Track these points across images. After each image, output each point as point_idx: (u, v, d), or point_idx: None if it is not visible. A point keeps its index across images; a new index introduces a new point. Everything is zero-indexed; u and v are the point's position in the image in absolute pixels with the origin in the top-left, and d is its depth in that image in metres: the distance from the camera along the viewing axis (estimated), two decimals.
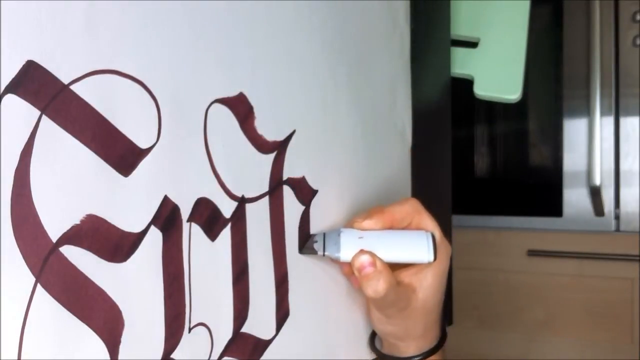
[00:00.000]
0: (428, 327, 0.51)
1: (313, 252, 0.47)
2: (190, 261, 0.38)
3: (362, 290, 0.47)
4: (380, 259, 0.46)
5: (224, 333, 0.40)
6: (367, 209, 0.49)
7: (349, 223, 0.49)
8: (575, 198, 1.32)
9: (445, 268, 0.50)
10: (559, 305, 1.32)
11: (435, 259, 0.47)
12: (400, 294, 0.48)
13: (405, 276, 0.49)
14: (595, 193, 1.27)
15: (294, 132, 0.46)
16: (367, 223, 0.47)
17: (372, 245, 0.47)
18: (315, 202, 0.49)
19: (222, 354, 0.40)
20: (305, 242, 0.48)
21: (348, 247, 0.47)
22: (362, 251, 0.46)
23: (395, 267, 0.48)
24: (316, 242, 0.48)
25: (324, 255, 0.47)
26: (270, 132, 0.44)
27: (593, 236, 1.29)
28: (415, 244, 0.48)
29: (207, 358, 0.39)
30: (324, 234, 0.48)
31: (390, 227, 0.48)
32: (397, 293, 0.47)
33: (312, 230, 0.49)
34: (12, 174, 0.28)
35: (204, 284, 0.39)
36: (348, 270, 0.50)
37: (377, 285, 0.45)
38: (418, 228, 0.49)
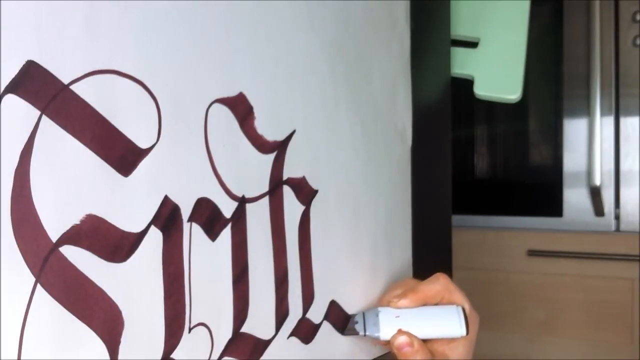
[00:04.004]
0: None
1: (355, 332, 0.51)
2: (190, 261, 0.38)
3: None
4: (417, 339, 0.50)
5: (224, 333, 0.40)
6: (401, 285, 0.54)
7: (385, 301, 0.53)
8: (575, 198, 1.32)
9: (475, 337, 0.54)
10: (559, 305, 1.32)
11: (467, 332, 0.51)
12: None
13: (439, 346, 0.52)
14: (595, 193, 1.26)
15: (294, 132, 0.46)
16: (402, 302, 0.51)
17: (409, 323, 0.50)
18: (315, 202, 0.49)
19: (222, 354, 0.40)
20: (346, 323, 0.52)
21: (387, 326, 0.50)
22: (400, 331, 0.50)
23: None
24: (357, 322, 0.52)
25: (365, 335, 0.51)
26: (270, 132, 0.44)
27: (593, 236, 1.29)
28: (448, 320, 0.51)
29: (207, 358, 0.39)
30: (363, 314, 0.52)
31: (424, 304, 0.52)
32: None
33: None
34: (12, 174, 0.28)
35: (204, 284, 0.39)
36: (385, 343, 0.53)
37: None
38: (449, 302, 0.53)
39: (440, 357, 0.52)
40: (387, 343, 0.52)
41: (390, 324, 0.50)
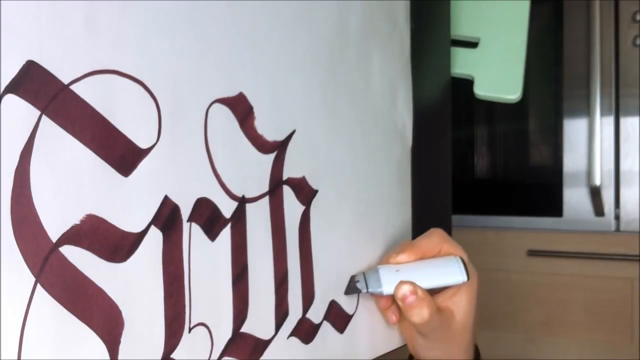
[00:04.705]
0: (467, 347, 0.54)
1: (357, 291, 0.51)
2: (190, 261, 0.38)
3: (408, 318, 0.50)
4: (420, 287, 0.49)
5: (224, 333, 0.40)
6: (398, 245, 0.53)
7: (384, 260, 0.53)
8: (575, 198, 1.32)
9: (476, 290, 0.53)
10: (559, 305, 1.32)
11: (469, 278, 0.51)
12: (441, 319, 0.50)
13: (442, 301, 0.52)
14: (595, 193, 1.27)
15: (294, 132, 0.46)
16: (401, 257, 0.51)
17: (410, 276, 0.50)
18: (315, 202, 0.49)
19: (222, 354, 0.40)
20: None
21: (388, 281, 0.50)
22: (402, 282, 0.49)
23: (431, 294, 0.51)
24: (358, 281, 0.52)
25: (367, 292, 0.51)
26: (270, 132, 0.44)
27: (593, 236, 1.29)
28: (448, 268, 0.51)
29: (207, 358, 0.39)
30: (364, 273, 0.52)
31: (422, 258, 0.52)
32: (439, 318, 0.50)
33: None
34: (12, 174, 0.28)
35: (204, 284, 0.39)
36: (385, 305, 0.53)
37: (422, 312, 0.49)
38: (447, 254, 0.52)
39: (446, 312, 0.51)
40: (390, 304, 0.52)
41: (391, 278, 0.50)
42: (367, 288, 0.51)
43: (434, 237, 0.53)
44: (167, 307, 0.36)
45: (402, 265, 0.51)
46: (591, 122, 1.26)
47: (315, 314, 0.49)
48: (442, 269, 0.51)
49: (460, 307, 0.52)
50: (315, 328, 0.49)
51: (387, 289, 0.50)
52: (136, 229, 0.34)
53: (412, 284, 0.49)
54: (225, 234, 0.40)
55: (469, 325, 0.53)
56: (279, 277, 0.45)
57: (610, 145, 1.28)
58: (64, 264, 0.30)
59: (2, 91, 0.27)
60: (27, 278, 0.29)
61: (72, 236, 0.30)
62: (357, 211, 0.54)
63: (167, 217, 0.36)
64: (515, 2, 0.78)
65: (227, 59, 0.40)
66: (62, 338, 0.30)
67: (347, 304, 0.53)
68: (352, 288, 0.51)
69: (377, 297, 0.53)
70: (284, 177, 0.46)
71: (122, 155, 0.33)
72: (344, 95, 0.53)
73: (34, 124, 0.29)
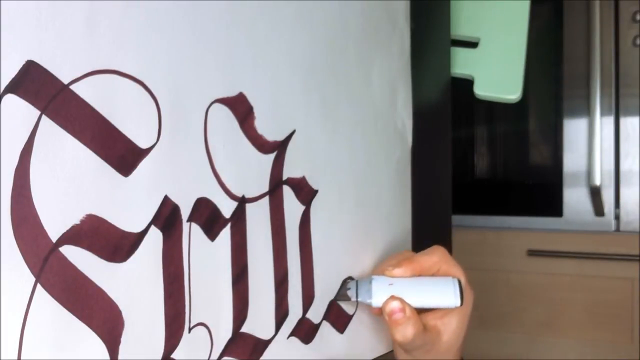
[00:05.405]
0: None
1: (347, 298, 0.51)
2: (190, 261, 0.38)
3: (391, 335, 0.48)
4: (409, 306, 0.48)
5: (224, 333, 0.40)
6: (397, 257, 0.52)
7: (380, 271, 0.51)
8: (575, 198, 1.32)
9: (469, 312, 0.52)
10: (559, 305, 1.32)
11: (462, 303, 0.49)
12: (426, 338, 0.49)
13: (431, 319, 0.50)
14: (595, 193, 1.26)
15: (294, 132, 0.46)
16: (397, 271, 0.50)
17: (402, 291, 0.49)
18: (315, 202, 0.49)
19: (222, 354, 0.40)
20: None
21: (379, 293, 0.49)
22: (392, 297, 0.48)
23: (421, 310, 0.50)
24: (349, 289, 0.51)
25: (357, 301, 0.51)
26: (270, 132, 0.44)
27: (593, 236, 1.29)
28: (443, 290, 0.50)
29: (207, 358, 0.39)
30: (357, 281, 0.52)
31: (419, 275, 0.50)
32: (423, 337, 0.49)
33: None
34: (12, 174, 0.28)
35: (204, 284, 0.39)
36: (378, 312, 0.52)
37: (406, 331, 0.47)
38: (445, 275, 0.51)
39: (433, 331, 0.50)
40: (380, 313, 0.51)
41: (383, 291, 0.49)
42: (357, 297, 0.50)
43: (435, 256, 0.51)
44: (167, 307, 0.36)
45: (396, 279, 0.50)
46: (591, 122, 1.26)
47: (315, 314, 0.49)
48: (436, 289, 0.50)
49: (449, 328, 0.50)
50: (315, 328, 0.49)
51: (377, 301, 0.49)
52: (136, 229, 0.34)
53: (402, 300, 0.48)
54: (225, 234, 0.40)
55: (455, 347, 0.51)
56: (279, 277, 0.45)
57: (610, 145, 1.28)
58: (64, 264, 0.30)
59: (2, 91, 0.27)
60: (27, 278, 0.29)
61: (72, 236, 0.31)
62: (357, 211, 0.54)
63: (167, 217, 0.36)
64: (515, 2, 0.78)
65: (227, 59, 0.40)
66: (62, 338, 0.30)
67: (346, 304, 0.53)
68: (342, 295, 0.51)
69: (368, 307, 0.52)
70: (284, 177, 0.46)
71: (122, 155, 0.33)
72: (344, 96, 0.53)
73: (34, 123, 0.29)
